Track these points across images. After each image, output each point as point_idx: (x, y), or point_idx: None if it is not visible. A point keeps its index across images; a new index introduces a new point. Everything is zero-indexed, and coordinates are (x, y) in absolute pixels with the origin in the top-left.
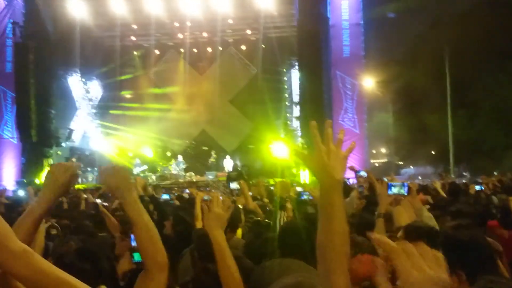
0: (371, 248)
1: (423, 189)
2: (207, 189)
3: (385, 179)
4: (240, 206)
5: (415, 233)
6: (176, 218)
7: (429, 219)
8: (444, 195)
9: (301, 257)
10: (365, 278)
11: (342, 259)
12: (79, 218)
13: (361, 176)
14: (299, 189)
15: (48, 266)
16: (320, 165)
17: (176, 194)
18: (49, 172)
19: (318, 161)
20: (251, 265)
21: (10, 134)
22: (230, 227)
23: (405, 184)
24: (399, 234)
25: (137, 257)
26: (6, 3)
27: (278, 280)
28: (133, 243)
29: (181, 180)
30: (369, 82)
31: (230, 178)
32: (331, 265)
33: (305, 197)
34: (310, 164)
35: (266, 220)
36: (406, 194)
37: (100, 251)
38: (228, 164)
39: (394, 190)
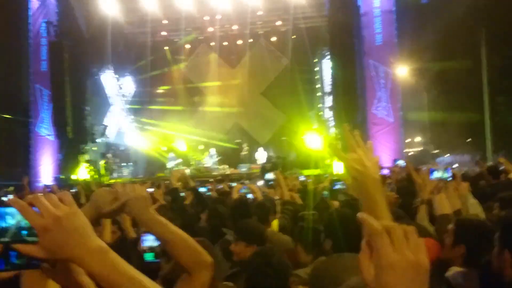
0: (426, 233)
1: (465, 177)
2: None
3: (424, 168)
4: (277, 197)
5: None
6: (211, 211)
7: (475, 206)
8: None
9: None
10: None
11: None
12: None
13: (397, 165)
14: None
15: (123, 265)
16: (359, 167)
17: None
18: (93, 196)
19: (356, 163)
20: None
21: (47, 131)
22: (260, 218)
23: (448, 169)
24: (451, 227)
25: (148, 256)
26: (40, 3)
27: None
28: (143, 244)
29: (215, 173)
30: (403, 70)
31: (264, 169)
32: None
33: (338, 186)
34: (349, 165)
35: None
36: (449, 179)
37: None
38: (261, 156)
39: (437, 175)
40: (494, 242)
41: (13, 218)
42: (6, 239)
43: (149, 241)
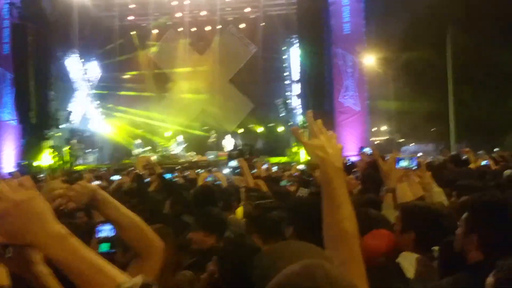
0: (385, 223)
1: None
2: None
3: (388, 156)
4: (242, 185)
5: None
6: (175, 197)
7: (439, 194)
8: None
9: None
10: (381, 254)
11: (355, 244)
12: None
13: (364, 153)
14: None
15: (84, 250)
16: (321, 153)
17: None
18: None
19: (319, 149)
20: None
21: (9, 116)
22: (224, 205)
23: (414, 158)
24: (397, 215)
25: (104, 247)
26: None
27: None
28: (98, 234)
29: (182, 160)
30: (370, 59)
31: (231, 157)
32: (345, 253)
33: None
34: (311, 151)
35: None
36: (414, 168)
37: None
38: (228, 143)
39: (403, 164)
40: (444, 226)
41: None
42: None
43: (105, 231)
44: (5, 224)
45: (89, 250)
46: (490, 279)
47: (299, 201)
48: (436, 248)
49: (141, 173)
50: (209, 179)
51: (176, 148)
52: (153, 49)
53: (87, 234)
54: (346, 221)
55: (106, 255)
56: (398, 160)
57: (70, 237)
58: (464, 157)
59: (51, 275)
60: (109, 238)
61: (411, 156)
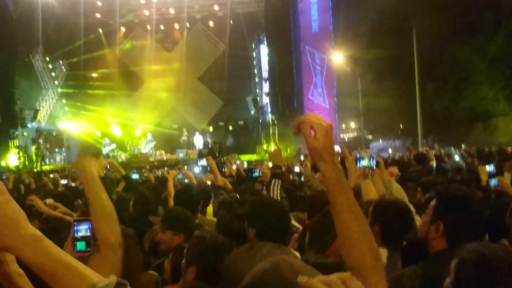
0: None
1: (394, 162)
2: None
3: (358, 154)
4: (209, 182)
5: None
6: (137, 195)
7: (398, 191)
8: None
9: (279, 239)
10: None
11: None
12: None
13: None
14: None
15: (58, 252)
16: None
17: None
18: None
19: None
20: (227, 244)
21: None
22: (189, 205)
23: (373, 157)
24: (370, 209)
25: (80, 246)
26: None
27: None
28: (76, 234)
29: (151, 159)
30: (338, 57)
31: (201, 155)
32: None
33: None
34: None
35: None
36: (374, 167)
37: None
38: (198, 141)
39: (363, 163)
40: (406, 220)
41: None
42: None
43: (82, 229)
44: None
45: (63, 252)
46: (454, 261)
47: (263, 202)
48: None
49: (102, 176)
50: (179, 177)
51: (146, 146)
52: (120, 47)
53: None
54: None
55: (83, 253)
56: (358, 159)
57: (43, 239)
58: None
59: (23, 276)
60: (85, 237)
61: (370, 155)
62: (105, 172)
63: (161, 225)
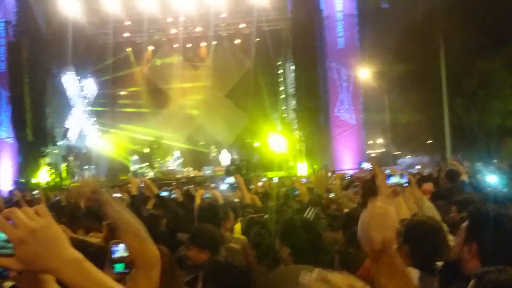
0: None
1: (424, 179)
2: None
3: (387, 171)
4: (236, 200)
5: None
6: (170, 213)
7: (430, 209)
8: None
9: (314, 259)
10: None
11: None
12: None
13: (362, 168)
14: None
15: (98, 274)
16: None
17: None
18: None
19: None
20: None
21: (6, 134)
22: (213, 223)
23: (404, 175)
24: (400, 229)
25: (118, 267)
26: None
27: None
28: (114, 255)
29: (179, 176)
30: (364, 73)
31: (228, 172)
32: None
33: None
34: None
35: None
36: (405, 184)
37: None
38: (225, 158)
39: (393, 180)
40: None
41: None
42: None
43: (119, 251)
44: (22, 252)
45: (103, 274)
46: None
47: (298, 222)
48: (439, 263)
49: (135, 194)
50: (206, 195)
51: (173, 163)
52: (148, 66)
53: (100, 256)
54: None
55: (121, 275)
56: (389, 176)
57: (84, 261)
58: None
59: None
60: (123, 258)
61: (401, 172)
62: (135, 193)
63: (188, 242)
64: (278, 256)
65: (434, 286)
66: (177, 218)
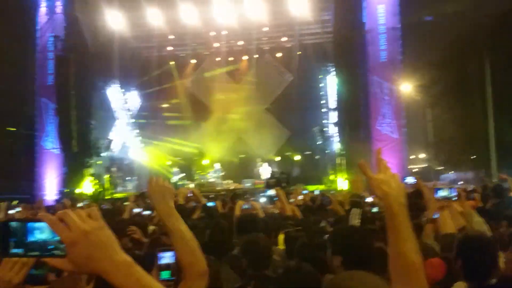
0: (433, 252)
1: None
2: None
3: (430, 184)
4: (276, 211)
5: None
6: (215, 225)
7: (480, 224)
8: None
9: (365, 265)
10: (436, 281)
11: (421, 276)
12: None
13: (406, 183)
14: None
15: (147, 278)
16: (386, 188)
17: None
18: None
19: (383, 184)
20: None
21: (52, 145)
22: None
23: (454, 188)
24: (454, 243)
25: (164, 274)
26: (48, 17)
27: None
28: (160, 261)
29: (219, 188)
30: (406, 87)
31: (268, 185)
32: (412, 284)
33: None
34: (376, 185)
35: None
36: (454, 198)
37: None
38: (265, 171)
39: (442, 193)
40: (493, 256)
41: (41, 233)
42: (36, 253)
43: (166, 258)
44: (74, 253)
45: (152, 279)
46: None
47: (349, 230)
48: (493, 280)
49: (182, 203)
50: (245, 207)
51: (213, 175)
52: (191, 79)
53: (148, 262)
54: (412, 253)
55: (167, 282)
56: (437, 190)
57: (134, 265)
58: (505, 186)
59: None
60: (170, 265)
61: (450, 186)
62: (182, 202)
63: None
64: (326, 266)
65: None
66: (220, 229)
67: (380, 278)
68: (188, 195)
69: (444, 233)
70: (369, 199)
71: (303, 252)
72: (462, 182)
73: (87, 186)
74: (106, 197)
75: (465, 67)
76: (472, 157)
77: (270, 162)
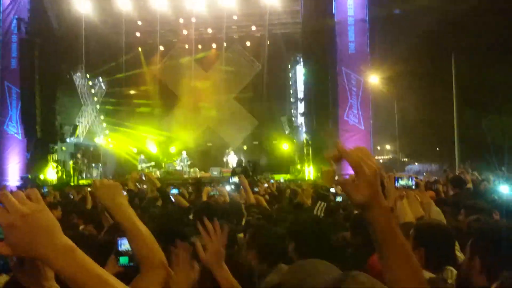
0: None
1: (429, 185)
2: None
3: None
4: (242, 201)
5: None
6: (163, 214)
7: (438, 214)
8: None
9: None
10: None
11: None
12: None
13: None
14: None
15: (90, 264)
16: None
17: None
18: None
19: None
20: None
21: (15, 129)
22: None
23: (412, 177)
24: (412, 232)
25: (123, 260)
26: None
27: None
28: (119, 248)
29: (186, 176)
30: (374, 79)
31: (235, 173)
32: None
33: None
34: (353, 160)
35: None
36: (413, 187)
37: None
38: (233, 160)
39: (401, 182)
40: (451, 244)
41: None
42: None
43: (125, 244)
44: (12, 237)
45: (95, 264)
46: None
47: (304, 220)
48: (449, 267)
49: (131, 188)
50: (212, 193)
51: (180, 164)
52: (159, 66)
53: (105, 248)
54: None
55: (126, 268)
56: (397, 179)
57: (76, 250)
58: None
59: None
60: (128, 251)
61: (409, 175)
62: (139, 186)
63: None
64: (282, 255)
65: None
66: (168, 216)
67: (332, 265)
68: (142, 179)
69: (403, 222)
70: (332, 190)
71: (260, 241)
72: (425, 174)
73: (51, 173)
74: (71, 184)
75: (432, 61)
76: (436, 149)
77: (238, 151)
